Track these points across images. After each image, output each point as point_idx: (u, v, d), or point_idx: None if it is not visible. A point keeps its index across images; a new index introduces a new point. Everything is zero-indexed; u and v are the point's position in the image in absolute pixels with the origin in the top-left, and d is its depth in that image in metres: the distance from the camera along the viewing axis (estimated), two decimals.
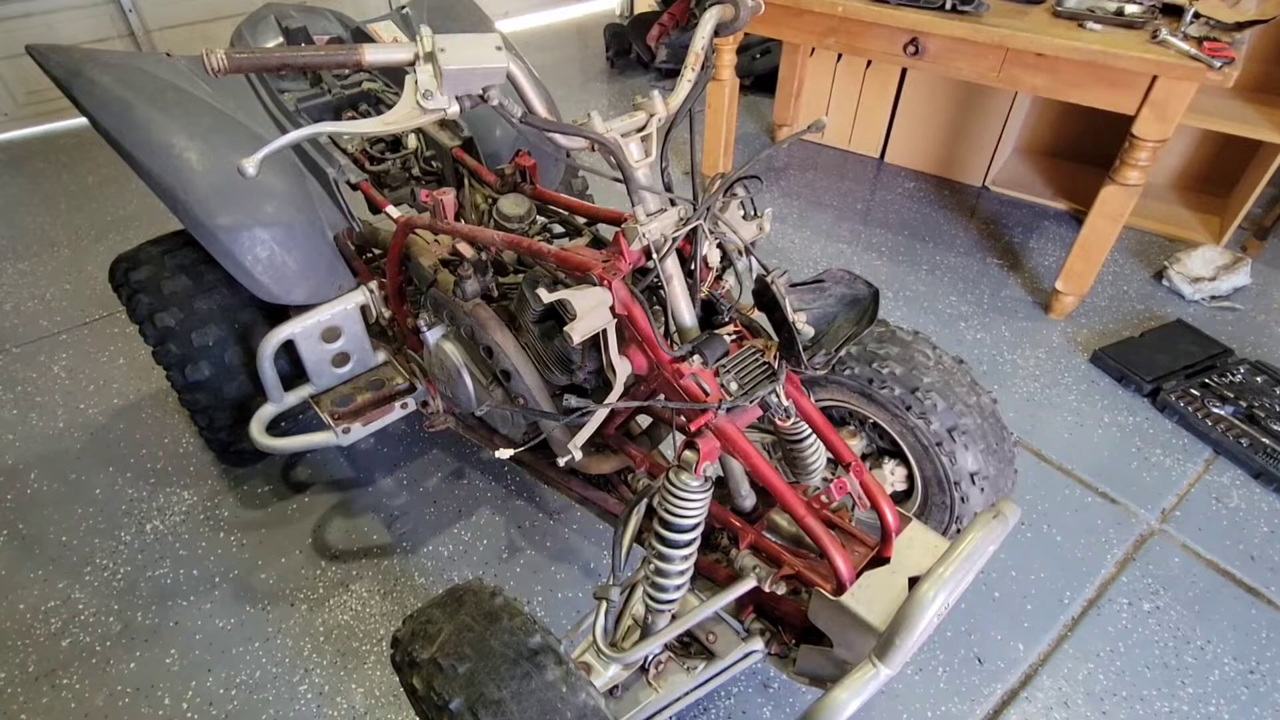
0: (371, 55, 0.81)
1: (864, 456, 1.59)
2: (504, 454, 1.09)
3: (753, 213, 1.20)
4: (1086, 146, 3.13)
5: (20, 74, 3.25)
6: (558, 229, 1.52)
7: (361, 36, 1.81)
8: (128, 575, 1.71)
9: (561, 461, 1.10)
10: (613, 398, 1.10)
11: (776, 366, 1.08)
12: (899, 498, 1.58)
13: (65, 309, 2.45)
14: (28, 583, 1.69)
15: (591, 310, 1.03)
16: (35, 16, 3.18)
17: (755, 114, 3.75)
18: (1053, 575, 1.70)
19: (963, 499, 1.43)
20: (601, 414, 1.10)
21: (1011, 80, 2.12)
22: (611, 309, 1.06)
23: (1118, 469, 1.94)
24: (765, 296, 1.09)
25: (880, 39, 2.29)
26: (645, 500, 1.26)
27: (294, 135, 0.80)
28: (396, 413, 1.67)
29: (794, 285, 1.16)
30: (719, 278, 1.16)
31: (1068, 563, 1.72)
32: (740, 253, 1.15)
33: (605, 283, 1.05)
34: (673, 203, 1.08)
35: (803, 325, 1.11)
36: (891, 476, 1.55)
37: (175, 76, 1.58)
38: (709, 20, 1.12)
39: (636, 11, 4.73)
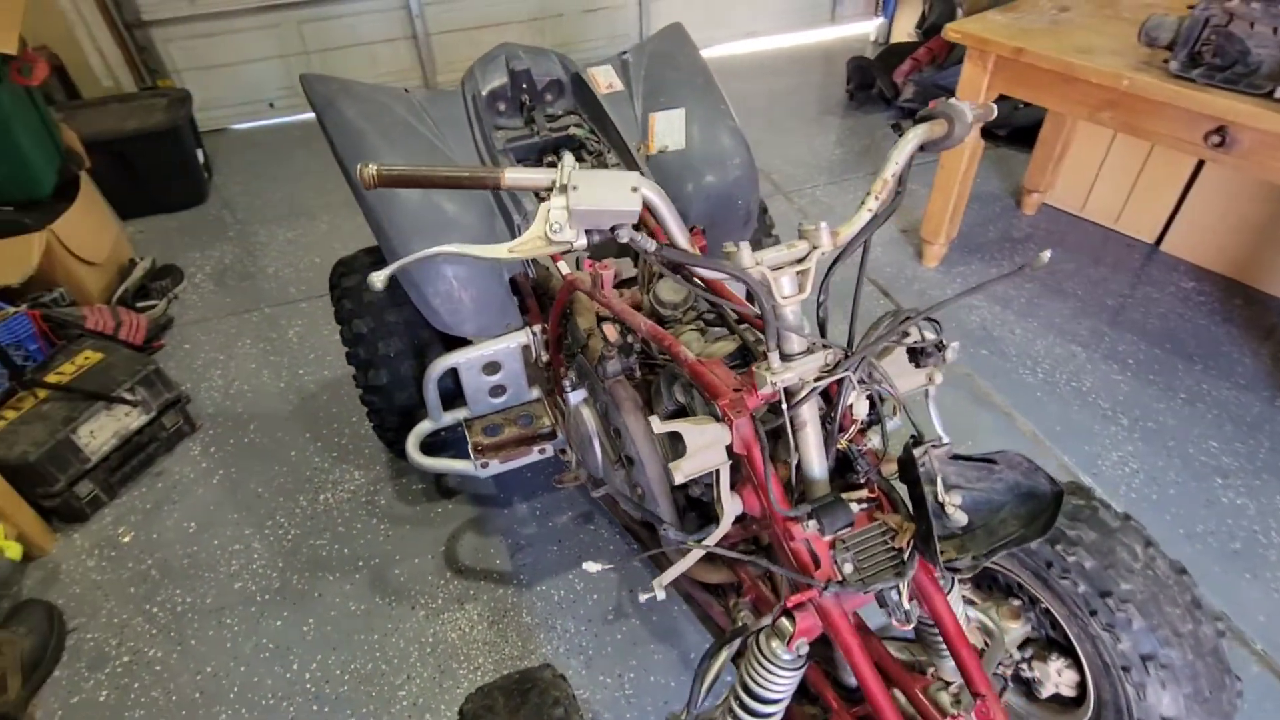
0: (511, 178, 0.79)
1: (1026, 641, 1.33)
2: (591, 568, 1.04)
3: (938, 354, 1.01)
4: None
5: (325, 65, 3.81)
6: (711, 314, 1.43)
7: (579, 82, 1.84)
8: (296, 539, 1.94)
9: (642, 598, 1.03)
10: (713, 539, 1.00)
11: (907, 557, 0.91)
12: (1065, 703, 1.31)
13: (310, 280, 2.83)
14: (225, 522, 1.98)
15: (704, 448, 0.94)
16: (344, 18, 3.71)
17: (1004, 170, 3.32)
18: None
19: None
20: (695, 556, 1.01)
21: None
22: (729, 447, 0.96)
23: None
24: (911, 469, 0.92)
25: (1173, 123, 1.88)
26: (739, 640, 1.15)
27: (421, 254, 0.82)
28: (534, 456, 1.70)
29: (956, 457, 0.98)
30: (863, 431, 1.01)
31: None
32: (894, 410, 0.99)
33: (727, 418, 0.95)
34: (826, 345, 0.95)
35: (954, 509, 0.93)
36: (1057, 678, 1.28)
37: (408, 112, 1.72)
38: (913, 140, 0.96)
39: (892, 40, 4.41)
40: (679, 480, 0.92)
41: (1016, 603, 1.32)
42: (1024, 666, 1.34)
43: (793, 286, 0.93)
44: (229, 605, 1.80)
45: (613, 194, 0.75)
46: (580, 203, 0.75)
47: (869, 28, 4.69)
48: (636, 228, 0.81)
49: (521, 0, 4.00)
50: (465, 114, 1.79)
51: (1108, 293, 2.62)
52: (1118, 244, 2.85)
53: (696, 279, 1.42)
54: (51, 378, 1.98)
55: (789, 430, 0.93)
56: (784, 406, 0.92)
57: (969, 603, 1.34)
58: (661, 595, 1.00)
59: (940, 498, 0.93)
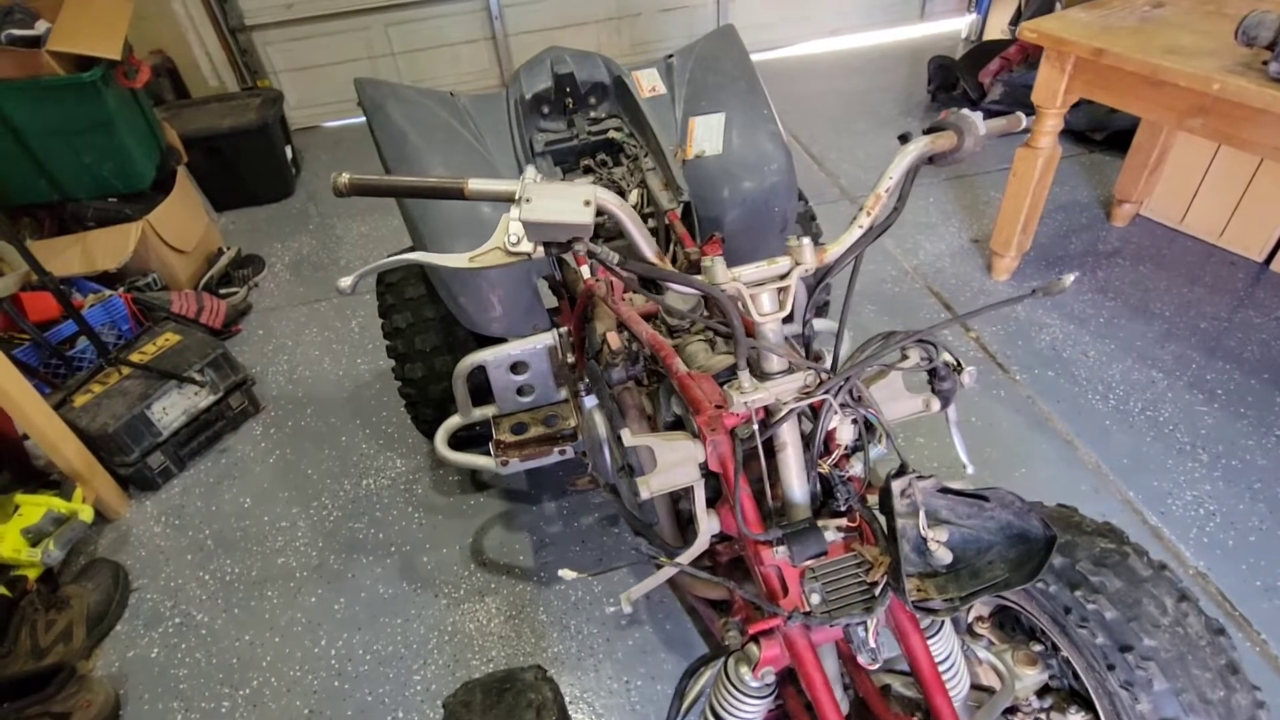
0: (474, 186, 0.80)
1: (1045, 689, 1.24)
2: (567, 575, 1.04)
3: (954, 378, 0.96)
4: None
5: (411, 66, 3.98)
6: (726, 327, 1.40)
7: (621, 86, 1.84)
8: (337, 520, 2.04)
9: (609, 609, 1.02)
10: (686, 557, 0.98)
11: (879, 592, 0.86)
12: None
13: None
14: (276, 500, 2.11)
15: (674, 465, 0.92)
16: (429, 20, 3.86)
17: (1096, 177, 3.09)
18: None
19: None
20: (664, 575, 0.99)
21: None
22: (704, 464, 0.94)
23: None
24: (888, 500, 0.87)
25: (1272, 131, 1.69)
26: (722, 660, 1.12)
27: (387, 261, 0.84)
28: (554, 457, 1.72)
29: (945, 491, 0.92)
30: (849, 456, 0.96)
31: None
32: (881, 437, 0.94)
33: (702, 435, 0.93)
34: (809, 365, 0.91)
35: (937, 546, 0.88)
36: None
37: (451, 115, 1.77)
38: (913, 152, 0.91)
39: (985, 37, 4.18)
40: (644, 496, 0.91)
41: (1038, 648, 1.23)
42: (1043, 717, 1.25)
43: (772, 304, 0.90)
44: (271, 578, 1.91)
45: (564, 207, 0.75)
46: (532, 214, 0.75)
47: (960, 25, 4.45)
48: (595, 240, 0.80)
49: (599, 1, 4.04)
50: (507, 116, 1.83)
51: (1201, 315, 2.39)
52: (1220, 262, 2.59)
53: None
54: (135, 357, 2.16)
55: (760, 451, 0.90)
56: (754, 428, 0.89)
57: (988, 644, 1.26)
58: (628, 609, 0.98)
59: (924, 532, 0.88)
